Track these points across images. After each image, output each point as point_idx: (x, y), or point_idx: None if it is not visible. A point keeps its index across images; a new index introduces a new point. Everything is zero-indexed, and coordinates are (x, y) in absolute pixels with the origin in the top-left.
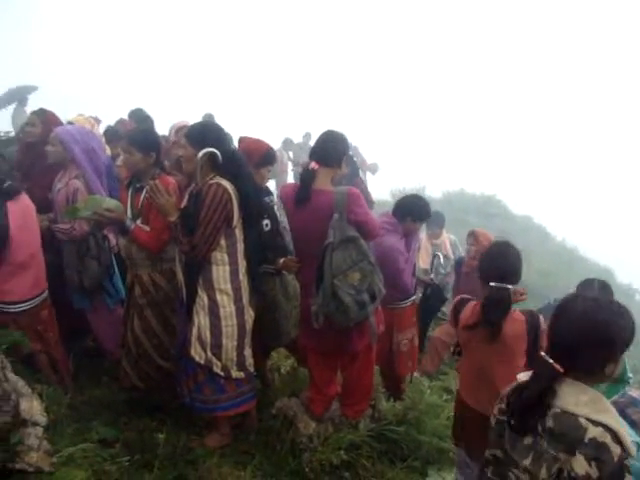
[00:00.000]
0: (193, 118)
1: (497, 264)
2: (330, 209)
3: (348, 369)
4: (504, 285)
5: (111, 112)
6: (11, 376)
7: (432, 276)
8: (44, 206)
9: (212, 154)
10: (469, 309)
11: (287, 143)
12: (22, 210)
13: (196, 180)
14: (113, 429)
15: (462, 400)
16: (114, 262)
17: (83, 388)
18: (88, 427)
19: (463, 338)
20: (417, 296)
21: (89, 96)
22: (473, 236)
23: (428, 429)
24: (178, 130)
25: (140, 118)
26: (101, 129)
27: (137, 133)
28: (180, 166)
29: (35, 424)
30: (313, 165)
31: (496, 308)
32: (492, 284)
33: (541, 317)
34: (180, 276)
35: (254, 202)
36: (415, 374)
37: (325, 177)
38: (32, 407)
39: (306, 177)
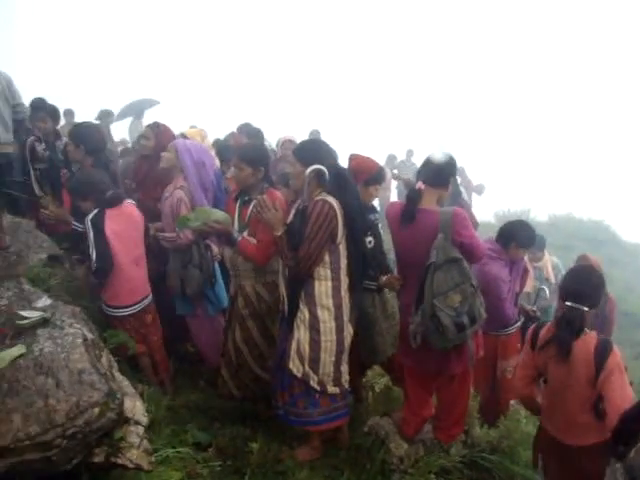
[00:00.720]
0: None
1: (576, 285)
2: (435, 229)
3: (444, 392)
4: (579, 306)
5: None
6: (117, 375)
7: (534, 307)
8: (155, 215)
9: (319, 171)
10: (545, 329)
11: (391, 160)
12: (123, 218)
13: (303, 196)
14: (207, 434)
15: (541, 424)
16: (217, 271)
17: (181, 391)
18: (184, 430)
19: (540, 360)
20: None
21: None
22: (583, 261)
23: (522, 460)
24: (284, 144)
25: (250, 132)
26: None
27: (247, 149)
28: (287, 180)
29: (137, 423)
30: (420, 185)
31: (568, 327)
32: (568, 303)
33: (615, 348)
34: (283, 289)
35: (359, 219)
36: (512, 402)
37: (431, 197)
38: (135, 406)
39: (412, 197)
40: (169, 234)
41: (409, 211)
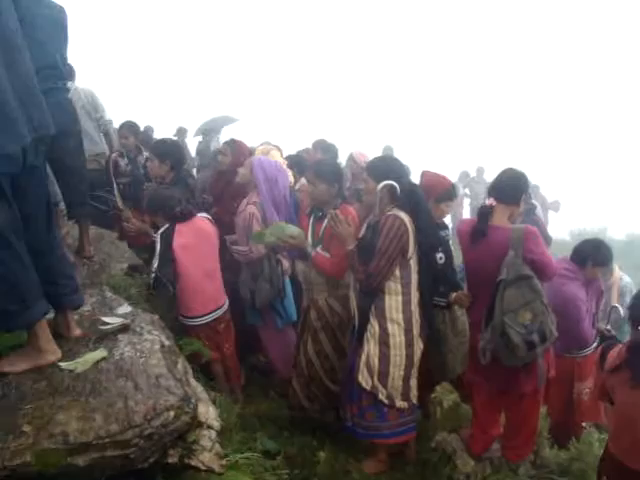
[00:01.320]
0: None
1: None
2: (506, 246)
3: (513, 410)
4: None
5: None
6: (192, 381)
7: (609, 327)
8: (232, 228)
9: (391, 187)
10: (615, 351)
11: (463, 177)
12: (193, 232)
13: (375, 211)
14: (276, 442)
15: (607, 447)
16: (286, 286)
17: (252, 400)
18: (253, 437)
19: (608, 382)
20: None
21: None
22: None
23: None
24: (355, 159)
25: (325, 148)
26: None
27: (322, 165)
28: (360, 196)
29: (210, 427)
30: (491, 202)
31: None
32: None
33: None
34: (354, 303)
35: (430, 235)
36: (584, 424)
37: (502, 214)
38: (208, 412)
39: (483, 213)
40: (242, 247)
41: (480, 228)
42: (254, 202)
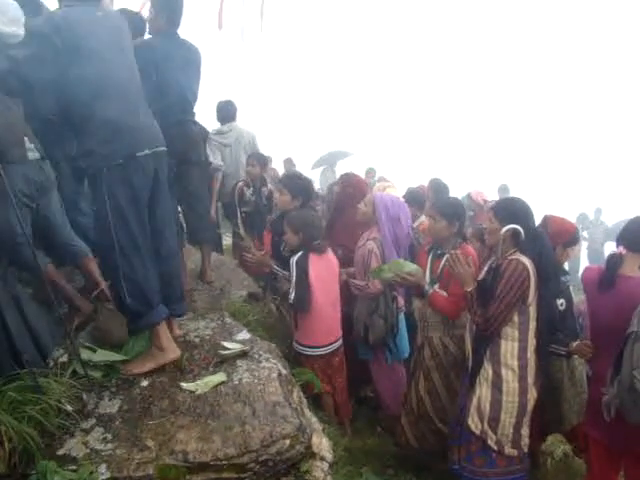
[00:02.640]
0: None
1: None
2: (636, 297)
3: (632, 470)
4: None
5: None
6: (307, 411)
7: None
8: (347, 262)
9: (516, 230)
10: None
11: (582, 219)
12: (324, 262)
13: (497, 253)
14: (380, 479)
15: None
16: (401, 322)
17: (359, 434)
18: (359, 472)
19: None
20: None
21: None
22: None
23: None
24: (473, 198)
25: (438, 188)
26: None
27: (445, 202)
28: (481, 235)
29: (322, 459)
30: (620, 250)
31: None
32: None
33: None
34: (468, 345)
35: (552, 281)
36: None
37: (633, 263)
38: (321, 443)
39: (612, 262)
40: (359, 281)
41: (608, 277)
42: (374, 238)
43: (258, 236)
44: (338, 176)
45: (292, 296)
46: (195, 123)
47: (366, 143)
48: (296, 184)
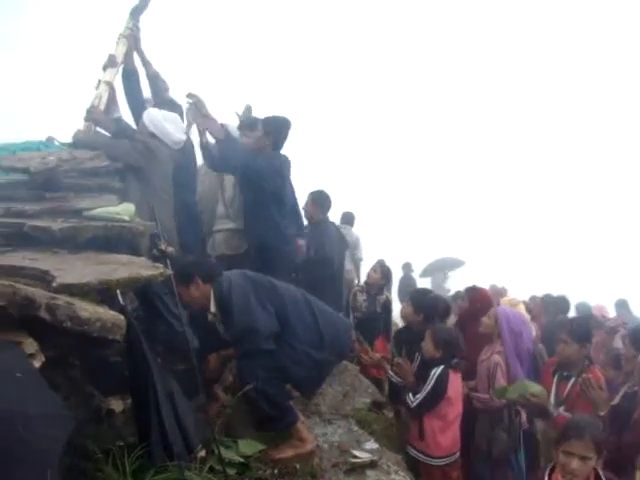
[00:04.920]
0: None
1: None
2: None
3: None
4: None
5: None
6: None
7: None
8: (469, 374)
9: None
10: None
11: None
12: (458, 379)
13: (634, 380)
14: None
15: None
16: (522, 438)
17: None
18: None
19: None
20: None
21: None
22: None
23: None
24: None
25: (548, 304)
26: None
27: (577, 324)
28: (617, 361)
29: None
30: None
31: None
32: None
33: None
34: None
35: None
36: None
37: None
38: None
39: None
40: (482, 395)
41: None
42: (498, 351)
43: (370, 342)
44: (449, 283)
45: (416, 402)
46: (292, 230)
47: (479, 249)
48: (420, 300)
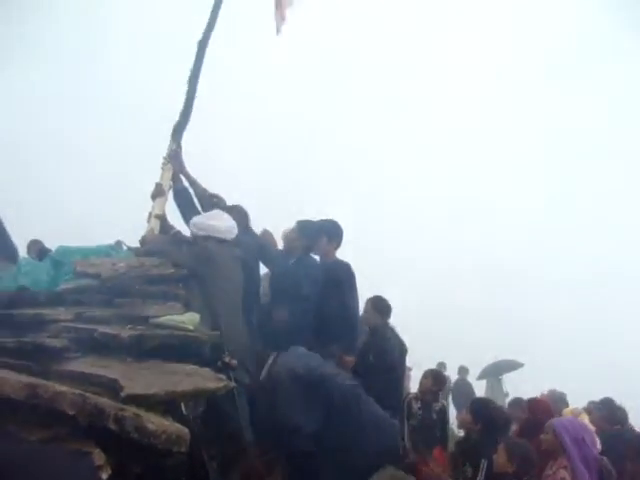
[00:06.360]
0: None
1: None
2: None
3: None
4: None
5: None
6: None
7: None
8: None
9: None
10: None
11: None
12: None
13: None
14: None
15: None
16: None
17: None
18: None
19: None
20: None
21: None
22: None
23: None
24: None
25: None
26: None
27: None
28: None
29: None
30: None
31: None
32: None
33: None
34: None
35: None
36: None
37: None
38: None
39: None
40: None
41: None
42: (564, 466)
43: (427, 451)
44: (505, 388)
45: None
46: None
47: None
48: (479, 410)
